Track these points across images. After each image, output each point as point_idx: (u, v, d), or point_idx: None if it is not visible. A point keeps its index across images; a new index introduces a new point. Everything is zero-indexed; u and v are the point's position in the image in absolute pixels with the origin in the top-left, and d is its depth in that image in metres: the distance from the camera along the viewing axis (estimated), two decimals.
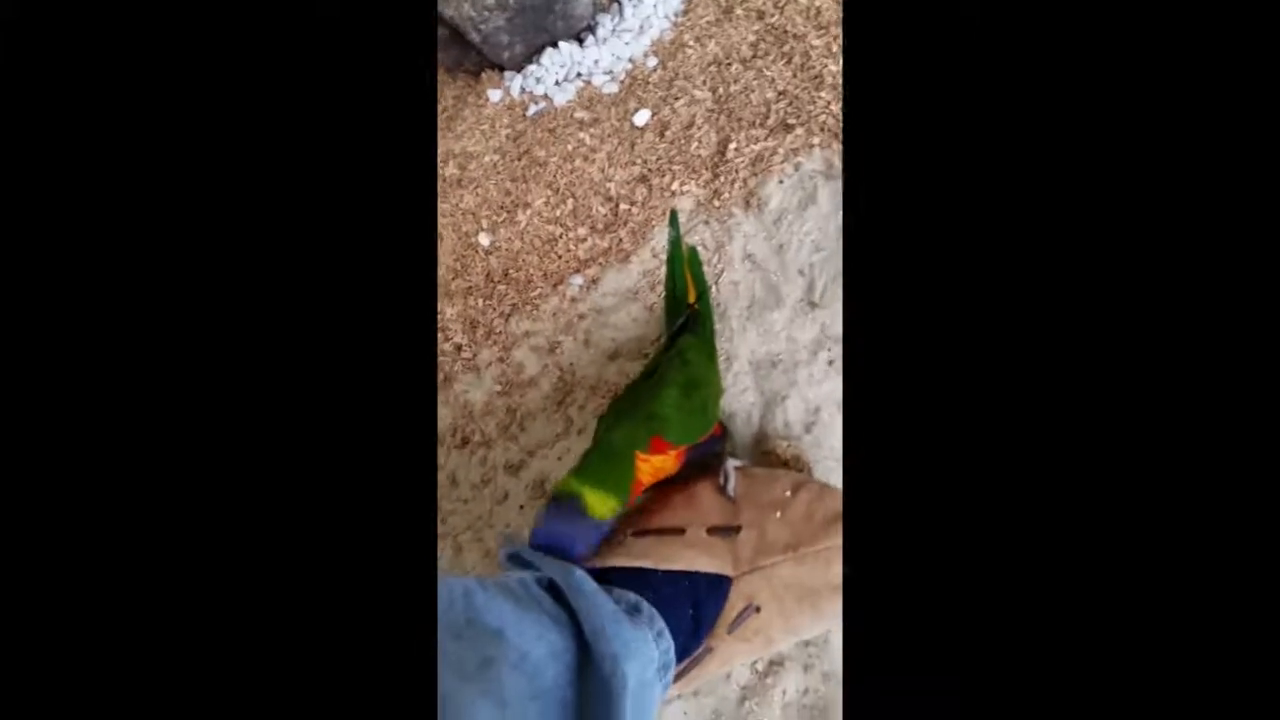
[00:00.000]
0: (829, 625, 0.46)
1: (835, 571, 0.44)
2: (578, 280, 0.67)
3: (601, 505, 0.43)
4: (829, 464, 0.52)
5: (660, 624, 0.43)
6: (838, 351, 0.56)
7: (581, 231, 0.69)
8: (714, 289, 0.61)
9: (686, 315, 0.54)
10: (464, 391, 0.67)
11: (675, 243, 0.58)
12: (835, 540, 0.44)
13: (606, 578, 0.44)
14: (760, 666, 0.49)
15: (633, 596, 0.43)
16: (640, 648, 0.40)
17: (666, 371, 0.50)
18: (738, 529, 0.46)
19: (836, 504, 0.45)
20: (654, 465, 0.46)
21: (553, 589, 0.42)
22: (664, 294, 0.61)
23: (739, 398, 0.57)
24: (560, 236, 0.70)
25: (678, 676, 0.44)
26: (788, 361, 0.57)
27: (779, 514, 0.46)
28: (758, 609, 0.44)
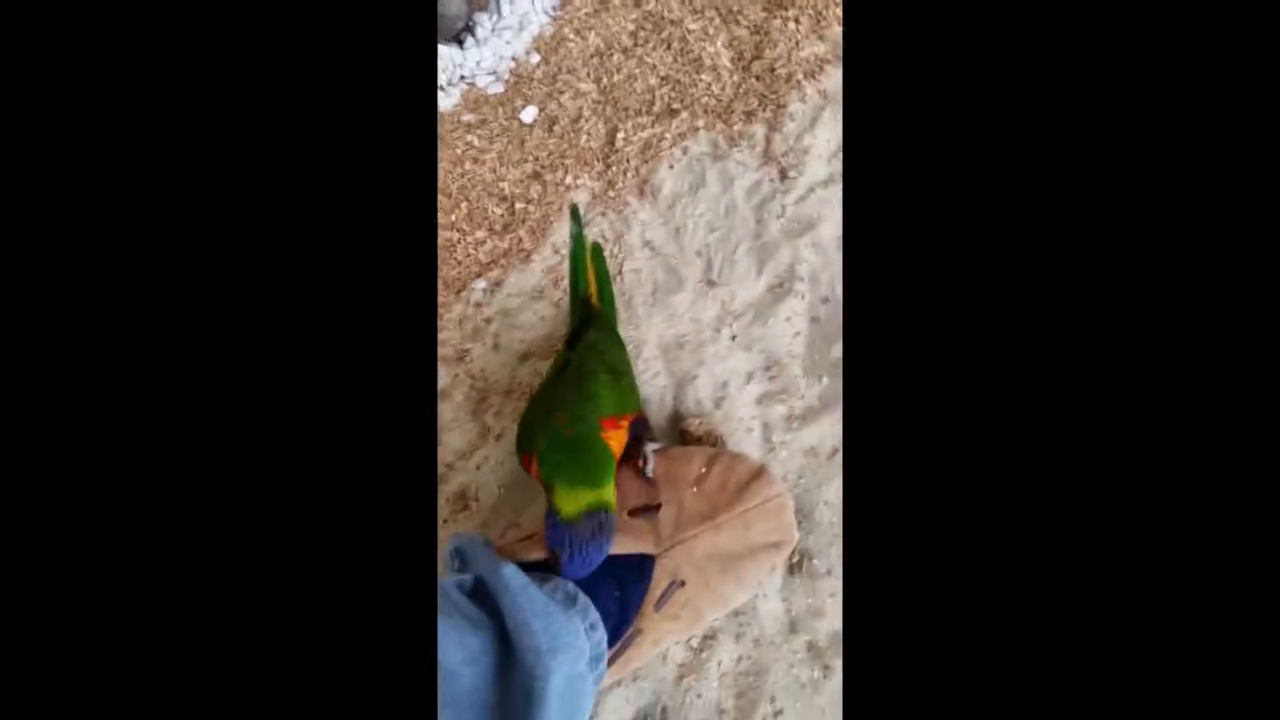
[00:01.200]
0: (755, 590, 0.47)
1: (753, 536, 0.45)
2: (480, 285, 0.66)
3: (614, 498, 0.42)
4: (740, 435, 0.54)
5: (594, 615, 0.42)
6: (739, 326, 0.57)
7: (479, 234, 0.68)
8: (618, 278, 0.61)
9: (585, 313, 0.54)
10: None
11: (577, 238, 0.58)
12: (748, 504, 0.45)
13: (531, 569, 0.44)
14: (694, 642, 0.50)
15: (571, 586, 0.43)
16: (570, 640, 0.39)
17: (585, 364, 0.50)
18: (657, 507, 0.47)
19: (749, 470, 0.46)
20: (615, 439, 0.45)
21: (478, 593, 0.41)
22: (568, 291, 0.61)
23: (651, 381, 0.57)
24: (458, 242, 0.68)
25: (610, 661, 0.44)
26: (693, 341, 0.58)
27: (695, 489, 0.47)
28: (682, 583, 0.44)
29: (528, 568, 0.43)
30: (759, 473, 0.46)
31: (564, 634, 0.39)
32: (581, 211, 0.65)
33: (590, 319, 0.54)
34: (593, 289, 0.57)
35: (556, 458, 0.42)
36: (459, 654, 0.35)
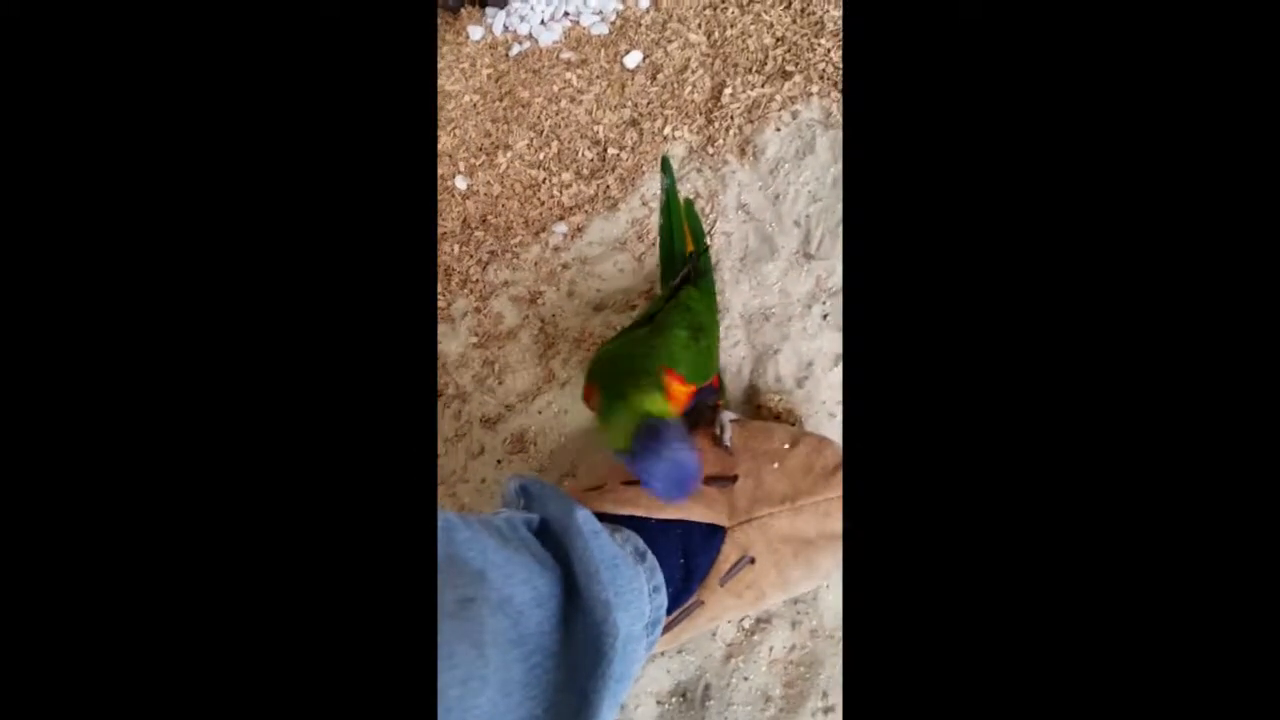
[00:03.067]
0: (821, 581, 0.45)
1: (831, 525, 0.42)
2: (561, 228, 0.63)
3: (668, 407, 0.38)
4: (820, 418, 0.51)
5: (659, 578, 0.40)
6: (832, 305, 0.54)
7: (566, 176, 0.66)
8: (709, 238, 0.59)
9: (688, 268, 0.51)
10: (437, 342, 0.64)
11: (670, 191, 0.55)
12: (834, 493, 0.42)
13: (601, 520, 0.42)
14: (747, 624, 0.47)
15: (640, 543, 0.41)
16: (633, 598, 0.38)
17: (670, 316, 0.47)
18: (734, 479, 0.44)
19: (836, 457, 0.44)
20: (676, 399, 0.42)
21: (544, 533, 0.40)
22: (659, 244, 0.58)
23: (730, 351, 0.55)
24: (543, 181, 0.66)
25: (665, 629, 0.42)
26: (781, 315, 0.55)
27: (776, 465, 0.44)
28: (752, 560, 0.42)
29: (598, 519, 0.41)
30: None
31: (628, 591, 0.37)
32: (675, 165, 0.62)
33: (694, 274, 0.51)
34: (689, 244, 0.54)
35: (607, 380, 0.40)
36: (528, 593, 0.33)
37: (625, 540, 0.40)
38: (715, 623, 0.44)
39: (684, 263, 0.50)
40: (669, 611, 0.41)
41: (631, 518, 0.43)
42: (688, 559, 0.42)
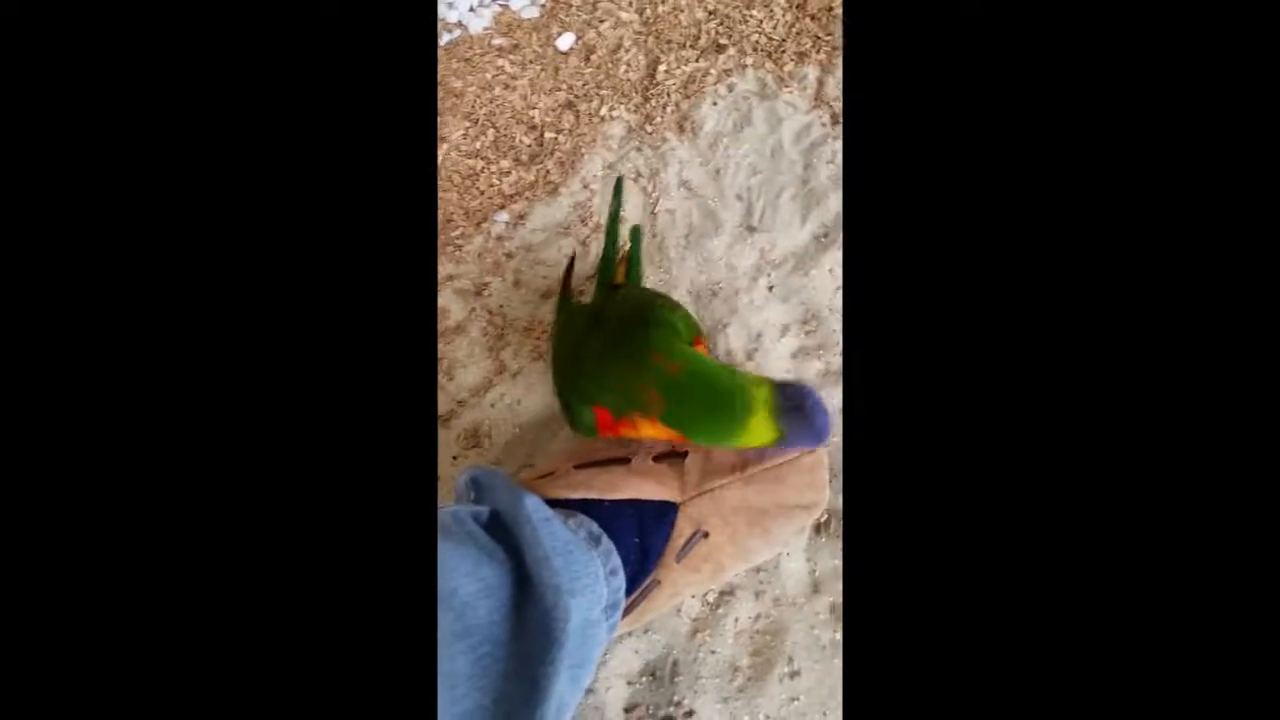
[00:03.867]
0: (780, 548, 0.45)
1: (784, 490, 0.42)
2: (503, 217, 0.62)
3: (766, 403, 0.35)
4: None
5: (616, 560, 0.40)
6: (777, 276, 0.54)
7: (505, 164, 0.64)
8: (652, 217, 0.58)
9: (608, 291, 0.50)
10: None
11: (614, 218, 0.53)
12: (782, 458, 0.42)
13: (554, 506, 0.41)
14: (711, 598, 0.48)
15: (595, 527, 0.41)
16: (589, 584, 0.37)
17: (631, 297, 0.45)
18: (684, 454, 0.44)
19: None
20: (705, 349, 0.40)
21: (495, 524, 0.39)
22: (598, 263, 0.55)
23: None
24: (482, 171, 0.65)
25: (625, 611, 0.42)
26: (728, 289, 0.55)
27: None
28: (706, 534, 0.42)
29: (550, 505, 0.41)
30: None
31: (583, 575, 0.37)
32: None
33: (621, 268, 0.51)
34: (620, 275, 0.51)
35: (685, 412, 0.36)
36: (473, 585, 0.33)
37: (579, 525, 0.40)
38: (677, 599, 0.44)
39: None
40: (628, 593, 0.41)
41: (584, 501, 0.42)
42: (642, 538, 0.42)
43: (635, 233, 0.54)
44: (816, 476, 0.43)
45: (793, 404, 0.34)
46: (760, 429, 0.34)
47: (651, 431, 0.38)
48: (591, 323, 0.45)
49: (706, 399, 0.35)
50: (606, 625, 0.39)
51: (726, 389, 0.34)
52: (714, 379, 0.35)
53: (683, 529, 0.42)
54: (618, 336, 0.40)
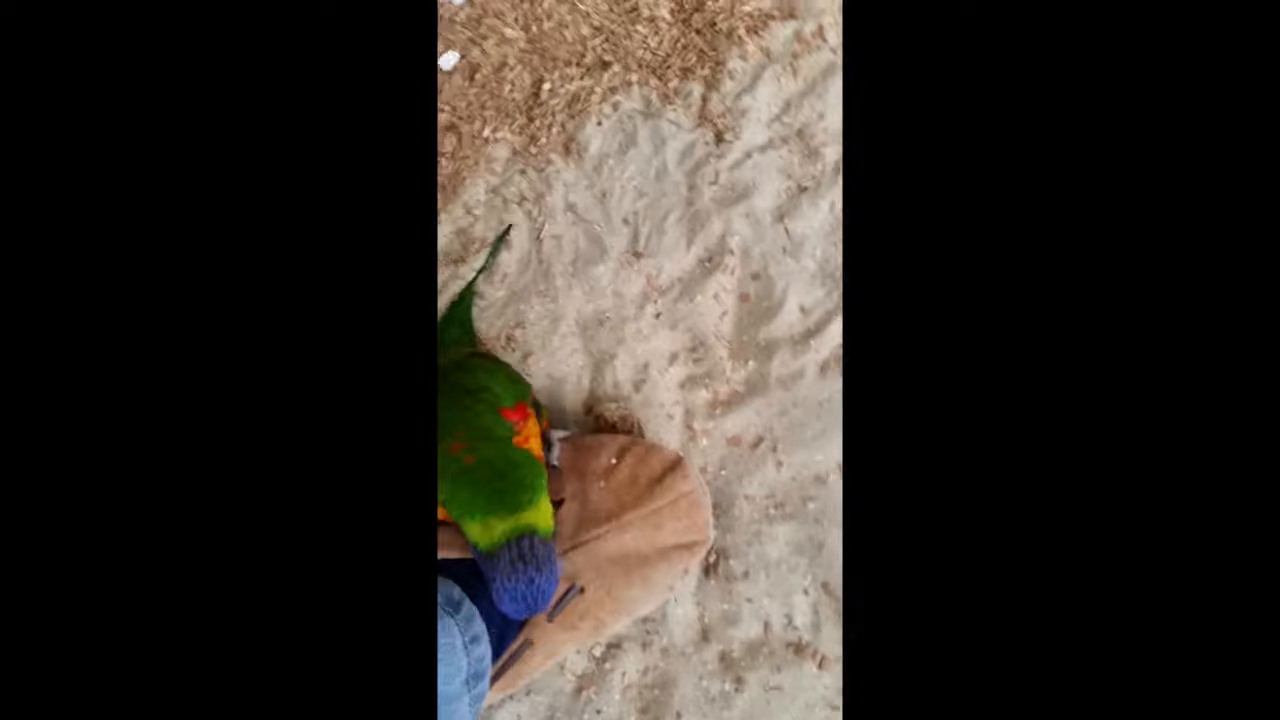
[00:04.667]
0: (665, 595, 0.42)
1: (663, 536, 0.40)
2: None
3: (548, 514, 0.36)
4: (659, 421, 0.49)
5: (478, 627, 0.37)
6: (663, 303, 0.52)
7: None
8: (537, 243, 0.55)
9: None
10: None
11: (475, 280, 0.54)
12: (661, 501, 0.40)
13: None
14: (597, 651, 0.45)
15: (455, 591, 0.37)
16: (445, 656, 0.34)
17: (453, 363, 0.43)
18: (559, 503, 0.41)
19: (663, 463, 0.41)
20: (529, 432, 0.39)
21: None
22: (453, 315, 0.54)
23: (567, 360, 0.52)
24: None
25: (496, 676, 0.39)
26: (615, 318, 0.52)
27: (603, 483, 0.41)
28: (581, 589, 0.39)
29: None
30: (674, 465, 0.41)
31: (439, 647, 0.34)
32: (498, 168, 0.58)
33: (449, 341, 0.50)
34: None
35: (464, 495, 0.35)
36: None
37: (438, 587, 0.37)
38: (553, 660, 0.41)
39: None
40: (495, 656, 0.38)
41: (445, 561, 0.39)
42: None
43: (468, 296, 0.53)
44: (696, 518, 0.40)
45: (527, 560, 0.34)
46: (483, 532, 0.35)
47: (443, 514, 0.37)
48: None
49: (482, 493, 0.35)
50: (470, 696, 0.36)
51: (503, 490, 0.35)
52: (500, 477, 0.36)
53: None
54: (448, 411, 0.39)
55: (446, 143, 0.61)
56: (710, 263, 0.52)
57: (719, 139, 0.55)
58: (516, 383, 0.42)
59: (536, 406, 0.44)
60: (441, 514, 0.43)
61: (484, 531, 0.34)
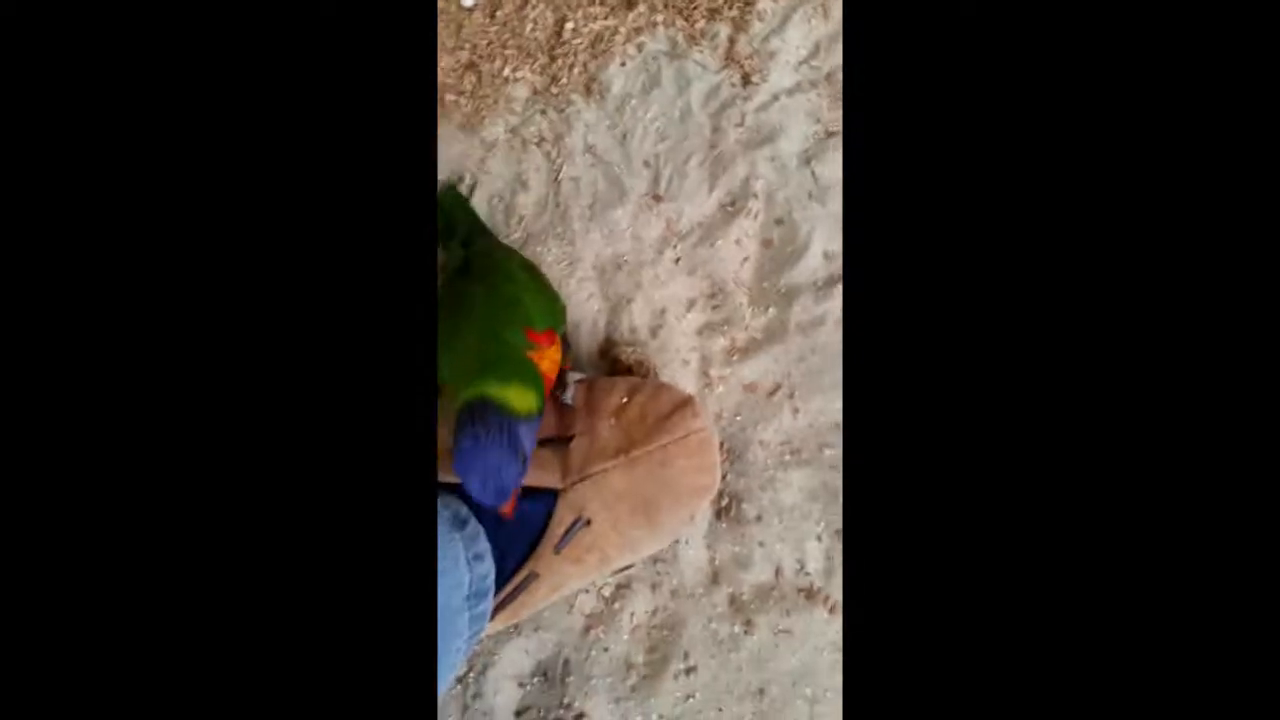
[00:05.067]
0: (668, 540, 0.42)
1: (669, 474, 0.39)
2: None
3: (522, 400, 0.34)
4: (675, 367, 0.48)
5: (483, 545, 0.37)
6: (683, 248, 0.51)
7: None
8: (555, 184, 0.54)
9: (470, 225, 0.49)
10: None
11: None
12: (668, 438, 0.39)
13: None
14: (606, 591, 0.44)
15: (463, 510, 0.37)
16: (446, 568, 0.34)
17: (495, 260, 0.43)
18: (570, 439, 0.41)
19: (672, 401, 0.41)
20: (548, 357, 0.38)
21: None
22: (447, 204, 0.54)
23: (584, 305, 0.51)
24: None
25: (501, 606, 0.38)
26: (633, 262, 0.51)
27: (613, 420, 0.41)
28: (588, 522, 0.39)
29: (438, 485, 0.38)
30: (684, 404, 0.40)
31: (442, 559, 0.34)
32: (518, 107, 0.57)
33: (477, 230, 0.49)
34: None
35: (458, 362, 0.36)
36: None
37: (444, 505, 0.37)
38: (559, 593, 0.41)
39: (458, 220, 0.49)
40: (499, 586, 0.38)
41: (455, 485, 0.39)
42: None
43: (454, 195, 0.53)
44: (705, 458, 0.40)
45: (490, 435, 0.33)
46: (453, 394, 0.34)
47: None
48: (453, 278, 0.43)
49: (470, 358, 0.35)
50: (470, 614, 0.36)
51: (486, 360, 0.35)
52: (495, 356, 0.35)
53: (562, 516, 0.38)
54: (464, 304, 0.39)
55: (466, 81, 0.60)
56: (733, 207, 0.50)
57: (746, 81, 0.53)
58: (554, 301, 0.42)
59: (565, 343, 0.44)
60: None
61: (450, 396, 0.34)
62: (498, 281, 0.40)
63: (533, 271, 0.43)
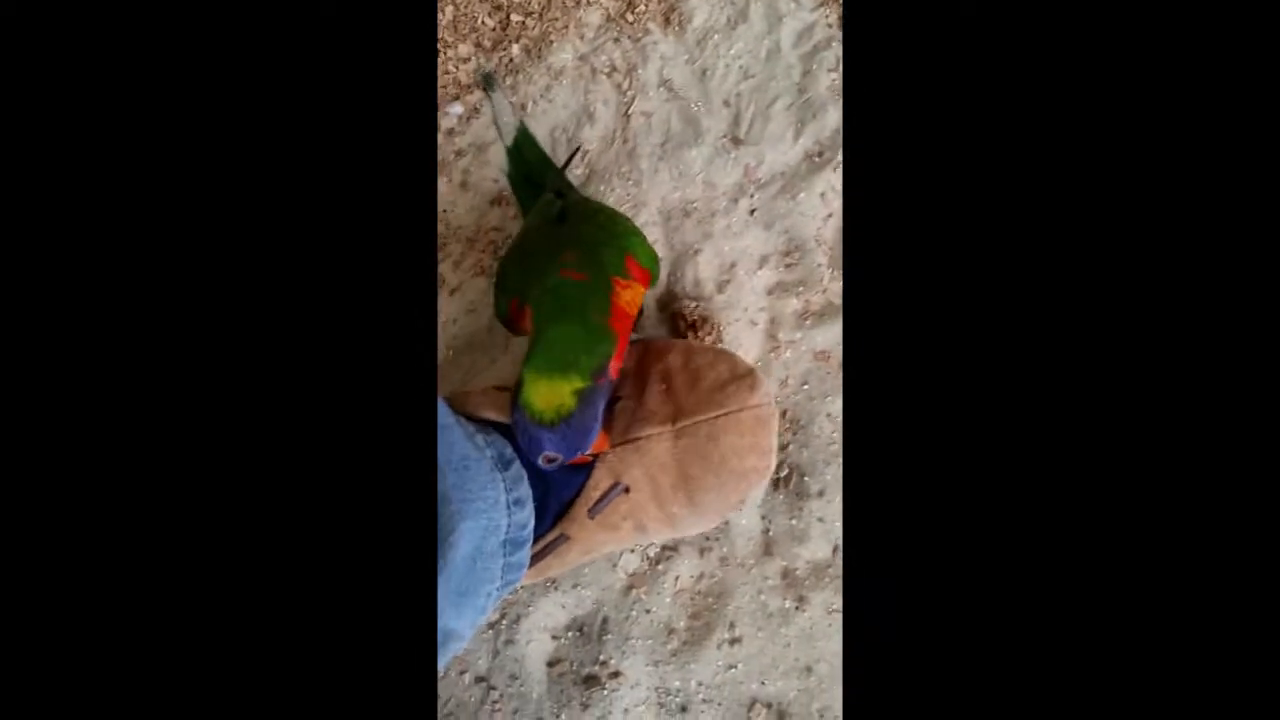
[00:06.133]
0: (713, 521, 0.39)
1: (718, 449, 0.36)
2: (456, 109, 0.54)
3: (542, 396, 0.33)
4: (741, 327, 0.45)
5: (525, 490, 0.35)
6: (760, 199, 0.47)
7: (464, 49, 0.56)
8: (624, 119, 0.50)
9: (559, 179, 0.45)
10: None
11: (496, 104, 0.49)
12: (721, 409, 0.36)
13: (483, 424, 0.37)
14: (651, 552, 0.43)
15: (508, 450, 0.35)
16: (484, 507, 0.32)
17: (600, 207, 0.41)
18: (617, 400, 0.38)
19: (732, 369, 0.37)
20: (635, 292, 0.36)
21: None
22: (509, 165, 0.50)
23: None
24: (437, 55, 0.56)
25: (531, 562, 0.37)
26: (703, 210, 0.48)
27: (663, 385, 0.38)
28: (626, 489, 0.36)
29: (480, 420, 0.35)
30: (744, 375, 0.37)
31: (477, 498, 0.32)
32: (590, 34, 0.53)
33: (564, 181, 0.45)
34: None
35: (552, 307, 0.33)
36: None
37: (489, 443, 0.34)
38: (591, 557, 0.39)
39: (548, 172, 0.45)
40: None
41: (503, 425, 0.37)
42: (547, 484, 0.36)
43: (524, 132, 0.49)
44: (761, 437, 0.36)
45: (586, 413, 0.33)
46: (543, 395, 0.32)
47: (528, 324, 0.35)
48: (548, 223, 0.40)
49: (567, 319, 0.33)
50: (504, 562, 0.34)
51: (577, 340, 0.33)
52: (589, 314, 0.33)
53: (599, 480, 0.36)
54: (565, 234, 0.37)
55: (534, 2, 0.55)
56: (820, 158, 0.46)
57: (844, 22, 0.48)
58: (654, 257, 0.39)
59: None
60: (508, 382, 0.41)
61: (543, 393, 0.32)
62: (604, 220, 0.39)
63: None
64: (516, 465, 0.34)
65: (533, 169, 0.48)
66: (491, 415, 0.36)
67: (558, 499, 0.36)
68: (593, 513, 0.36)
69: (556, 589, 0.43)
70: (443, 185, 0.53)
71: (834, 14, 0.49)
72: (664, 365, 0.38)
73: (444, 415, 0.33)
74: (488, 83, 0.48)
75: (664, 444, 0.36)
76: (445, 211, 0.52)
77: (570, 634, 0.43)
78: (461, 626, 0.33)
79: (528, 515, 0.34)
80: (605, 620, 0.42)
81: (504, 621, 0.43)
